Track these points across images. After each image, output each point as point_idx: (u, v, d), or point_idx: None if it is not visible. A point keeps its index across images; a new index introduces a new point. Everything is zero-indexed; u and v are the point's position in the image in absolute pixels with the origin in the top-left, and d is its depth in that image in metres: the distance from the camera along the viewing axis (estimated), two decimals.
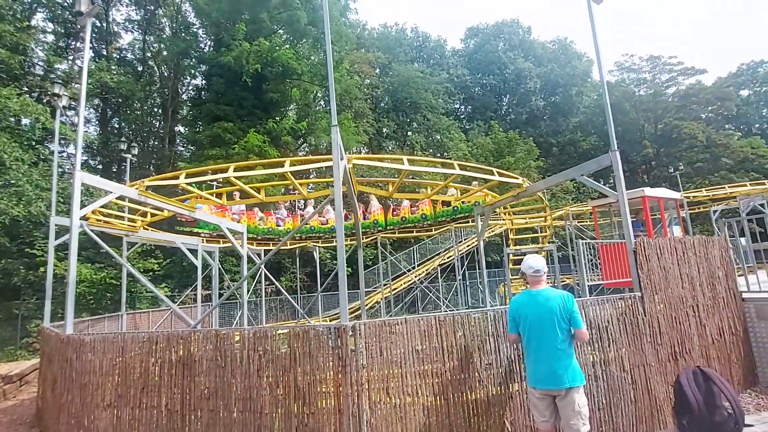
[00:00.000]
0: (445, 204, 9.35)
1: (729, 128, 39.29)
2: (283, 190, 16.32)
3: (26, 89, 18.25)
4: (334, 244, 17.90)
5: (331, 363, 3.77)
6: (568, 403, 3.20)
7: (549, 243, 10.21)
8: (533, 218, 9.63)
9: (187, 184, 5.28)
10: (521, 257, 11.25)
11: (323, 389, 3.85)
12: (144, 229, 8.75)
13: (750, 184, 17.33)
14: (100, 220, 7.95)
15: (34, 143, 16.14)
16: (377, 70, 35.28)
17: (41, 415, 6.69)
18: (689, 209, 17.84)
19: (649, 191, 10.90)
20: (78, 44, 26.85)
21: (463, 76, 43.42)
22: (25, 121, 16.23)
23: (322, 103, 27.80)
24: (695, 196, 15.23)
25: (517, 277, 10.95)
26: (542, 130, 41.22)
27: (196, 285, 10.98)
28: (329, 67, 4.06)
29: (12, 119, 15.38)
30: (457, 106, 45.56)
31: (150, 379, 4.22)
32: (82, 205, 5.14)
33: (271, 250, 15.90)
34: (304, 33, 22.11)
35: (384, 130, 33.96)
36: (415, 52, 46.08)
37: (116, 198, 5.82)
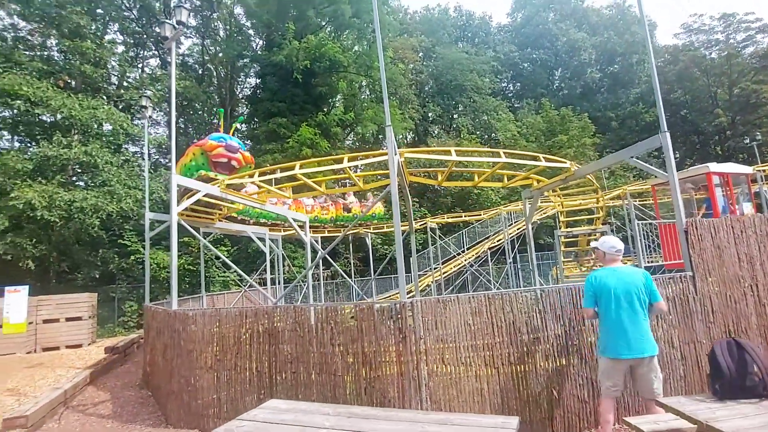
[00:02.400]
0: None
1: None
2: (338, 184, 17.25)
3: (105, 98, 20.49)
4: (384, 230, 18.61)
5: (392, 335, 4.35)
6: (651, 370, 3.53)
7: (603, 224, 10.06)
8: (585, 200, 9.52)
9: (260, 181, 6.06)
10: (573, 239, 11.18)
11: (386, 358, 4.45)
12: (219, 220, 9.86)
13: None
14: (184, 214, 9.09)
15: (120, 146, 18.27)
16: (420, 54, 35.03)
17: (147, 378, 8.01)
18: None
19: (714, 167, 10.28)
20: (145, 53, 29.56)
21: (510, 52, 41.82)
22: (107, 126, 18.31)
23: (367, 91, 28.34)
24: None
25: (570, 259, 10.90)
26: (599, 104, 38.86)
27: (264, 268, 12.06)
28: (382, 79, 4.52)
29: (97, 125, 17.47)
30: (504, 84, 44.07)
31: (242, 346, 5.05)
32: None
33: (322, 236, 16.96)
34: (349, 25, 22.62)
35: (429, 114, 33.88)
36: (459, 31, 44.95)
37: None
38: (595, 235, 10.05)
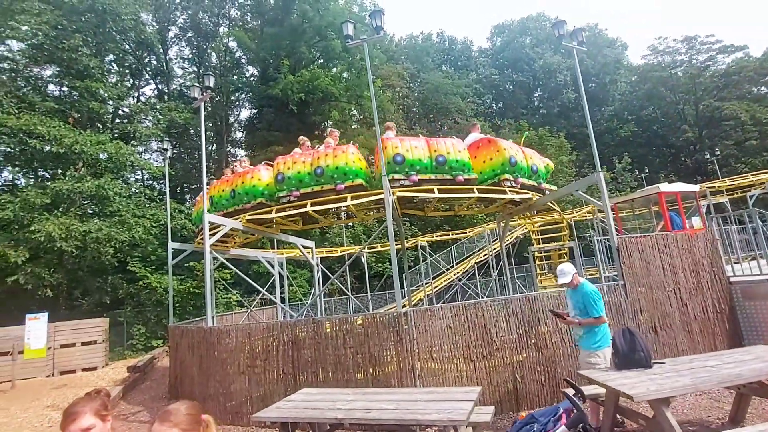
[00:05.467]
0: None
1: None
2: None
3: (100, 125, 21.48)
4: (377, 249, 19.86)
5: (392, 337, 5.60)
6: None
7: (570, 239, 11.52)
8: (551, 220, 10.94)
9: (278, 216, 7.33)
10: (547, 254, 12.60)
11: (388, 357, 5.68)
12: (233, 248, 11.05)
13: None
14: (200, 244, 10.26)
15: (126, 178, 19.40)
16: (407, 80, 37.02)
17: (175, 389, 9.04)
18: (728, 195, 18.15)
19: (664, 186, 11.83)
20: (139, 83, 30.76)
21: (491, 75, 44.19)
22: (102, 155, 19.13)
23: (357, 117, 30.01)
24: (718, 186, 15.64)
25: (545, 272, 12.29)
26: (576, 122, 41.15)
27: (266, 289, 13.13)
28: (377, 133, 5.88)
29: (105, 158, 18.59)
30: (488, 103, 46.33)
31: (270, 353, 6.24)
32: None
33: (324, 256, 18.14)
34: (339, 57, 24.31)
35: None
36: (443, 55, 47.34)
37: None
38: (564, 249, 11.48)
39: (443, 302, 21.35)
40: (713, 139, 34.22)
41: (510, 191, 7.39)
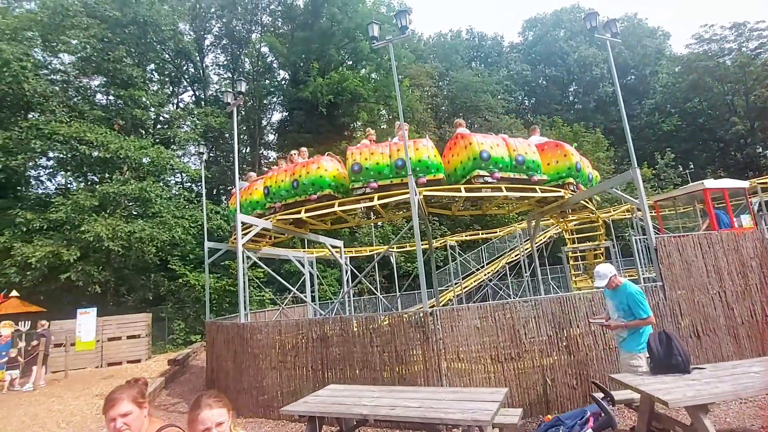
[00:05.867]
0: None
1: None
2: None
3: (143, 131, 22.69)
4: (407, 248, 19.86)
5: (419, 337, 5.61)
6: None
7: (606, 240, 11.08)
8: (585, 218, 10.53)
9: (307, 217, 7.51)
10: (582, 254, 12.17)
11: (414, 356, 5.70)
12: (265, 246, 11.38)
13: None
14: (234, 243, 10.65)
15: (166, 180, 20.43)
16: (435, 78, 36.77)
17: (211, 382, 9.42)
18: None
19: (709, 183, 11.16)
20: (178, 90, 32.22)
21: (523, 71, 43.13)
22: (144, 159, 20.15)
23: (386, 117, 30.12)
24: None
25: (579, 272, 11.87)
26: (613, 117, 39.41)
27: (298, 287, 13.42)
28: (404, 139, 5.91)
29: (148, 162, 19.62)
30: (520, 99, 45.27)
31: (299, 349, 6.40)
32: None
33: (354, 256, 18.34)
34: (367, 58, 24.50)
35: (446, 136, 35.29)
36: (472, 53, 46.68)
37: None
38: (600, 249, 11.06)
39: (473, 302, 21.10)
40: (766, 132, 31.87)
41: (540, 189, 7.21)
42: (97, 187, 16.62)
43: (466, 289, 20.09)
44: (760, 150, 21.39)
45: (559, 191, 7.60)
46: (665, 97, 39.34)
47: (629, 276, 13.68)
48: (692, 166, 24.33)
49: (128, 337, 15.14)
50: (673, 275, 6.06)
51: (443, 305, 19.75)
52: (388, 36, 6.73)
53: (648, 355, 4.09)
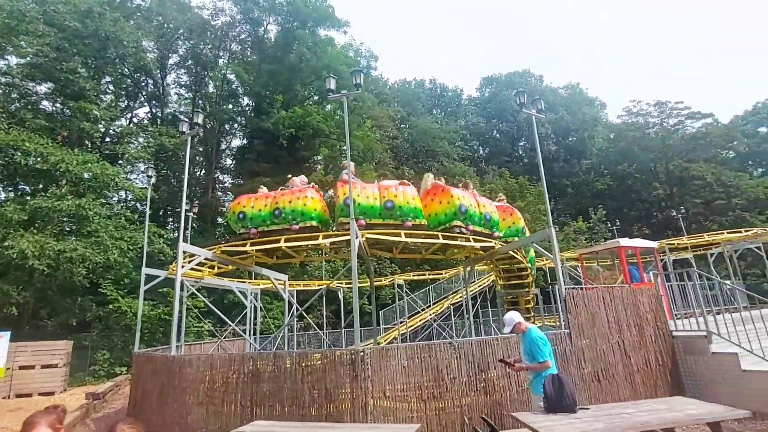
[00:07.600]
0: None
1: (750, 164, 40.16)
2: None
3: (89, 144, 21.70)
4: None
5: (349, 374, 5.85)
6: None
7: (534, 287, 12.07)
8: (516, 265, 11.48)
9: (253, 250, 7.67)
10: (514, 299, 13.04)
11: (342, 393, 5.90)
12: (207, 276, 11.19)
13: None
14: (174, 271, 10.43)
15: (107, 198, 19.48)
16: (397, 121, 38.58)
17: (131, 416, 8.90)
18: (693, 251, 19.15)
19: (624, 242, 12.60)
20: (133, 104, 31.30)
21: (479, 122, 46.35)
22: (86, 174, 19.18)
23: (345, 154, 30.98)
24: (678, 243, 16.60)
25: None
26: (556, 172, 42.98)
27: (245, 319, 13.12)
28: (350, 178, 6.40)
29: (89, 178, 18.68)
30: (475, 148, 48.25)
31: (229, 385, 6.38)
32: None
33: (302, 289, 18.22)
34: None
35: (404, 177, 36.66)
36: (434, 101, 49.68)
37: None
38: (530, 295, 11.97)
39: (417, 341, 21.37)
40: (683, 197, 36.08)
41: (474, 239, 7.91)
42: (29, 199, 15.59)
43: (412, 328, 20.40)
44: (674, 214, 24.21)
45: (490, 241, 8.35)
46: (600, 159, 43.61)
47: (551, 323, 14.74)
48: (619, 223, 26.84)
49: (43, 366, 13.85)
50: (579, 324, 6.82)
51: (388, 343, 19.88)
52: (352, 84, 7.29)
53: (544, 396, 4.63)
